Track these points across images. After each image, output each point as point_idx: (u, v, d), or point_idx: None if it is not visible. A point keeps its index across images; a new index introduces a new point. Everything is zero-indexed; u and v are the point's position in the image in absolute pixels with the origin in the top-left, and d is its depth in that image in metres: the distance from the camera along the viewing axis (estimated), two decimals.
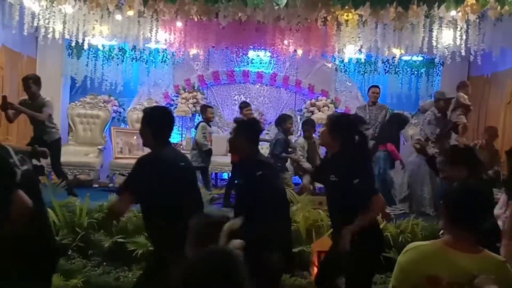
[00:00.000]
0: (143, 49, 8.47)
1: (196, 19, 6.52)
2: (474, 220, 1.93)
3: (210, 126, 6.96)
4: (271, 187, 3.27)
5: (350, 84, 9.28)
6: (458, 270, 1.86)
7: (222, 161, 7.60)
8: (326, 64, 9.06)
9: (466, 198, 1.97)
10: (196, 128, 7.02)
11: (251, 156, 3.36)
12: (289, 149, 6.75)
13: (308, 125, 7.08)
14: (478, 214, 1.94)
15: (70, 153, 7.29)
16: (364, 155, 3.45)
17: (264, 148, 7.50)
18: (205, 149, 6.66)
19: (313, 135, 7.02)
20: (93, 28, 6.88)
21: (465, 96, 6.32)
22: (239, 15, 5.93)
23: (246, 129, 3.48)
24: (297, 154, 6.72)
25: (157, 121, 3.14)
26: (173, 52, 8.38)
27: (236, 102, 9.14)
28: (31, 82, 5.90)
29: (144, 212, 3.17)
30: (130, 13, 6.36)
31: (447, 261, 1.90)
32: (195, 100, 8.71)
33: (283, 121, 6.77)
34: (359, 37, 6.84)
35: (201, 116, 7.34)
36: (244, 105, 7.26)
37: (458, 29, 6.29)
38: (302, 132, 7.23)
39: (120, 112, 8.87)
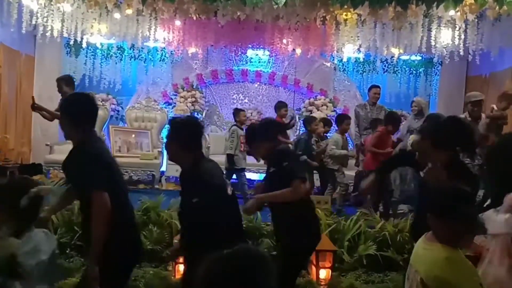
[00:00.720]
0: (142, 48, 8.46)
1: (195, 18, 6.52)
2: (441, 215, 2.07)
3: (242, 129, 6.45)
4: (211, 215, 2.57)
5: (349, 83, 9.30)
6: (414, 256, 2.24)
7: (218, 159, 7.51)
8: (324, 63, 9.07)
9: (439, 194, 2.17)
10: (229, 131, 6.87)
11: (190, 170, 2.68)
12: (318, 146, 6.64)
13: (344, 120, 6.89)
14: (447, 211, 2.04)
15: (68, 152, 7.25)
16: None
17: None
18: (227, 152, 6.52)
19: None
20: (91, 26, 6.88)
21: (495, 108, 6.08)
22: (238, 14, 5.93)
23: (178, 131, 2.75)
24: (328, 149, 6.54)
25: (74, 109, 2.79)
26: (171, 51, 8.36)
27: (235, 101, 9.17)
28: (63, 83, 6.14)
29: (85, 206, 2.69)
30: (129, 11, 6.36)
31: (415, 248, 2.27)
32: (193, 99, 8.71)
33: (307, 123, 6.77)
34: (358, 37, 6.83)
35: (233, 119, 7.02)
36: (281, 105, 7.19)
37: (457, 28, 6.29)
38: (305, 129, 7.04)
39: (118, 111, 8.84)
